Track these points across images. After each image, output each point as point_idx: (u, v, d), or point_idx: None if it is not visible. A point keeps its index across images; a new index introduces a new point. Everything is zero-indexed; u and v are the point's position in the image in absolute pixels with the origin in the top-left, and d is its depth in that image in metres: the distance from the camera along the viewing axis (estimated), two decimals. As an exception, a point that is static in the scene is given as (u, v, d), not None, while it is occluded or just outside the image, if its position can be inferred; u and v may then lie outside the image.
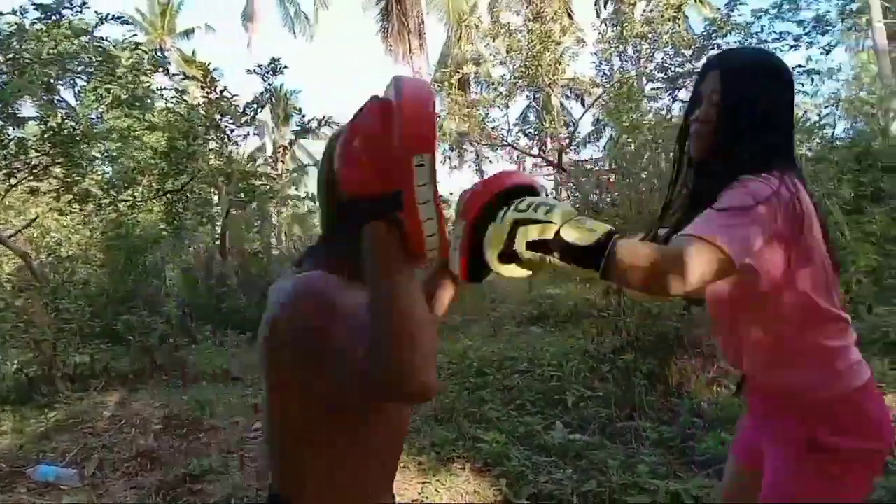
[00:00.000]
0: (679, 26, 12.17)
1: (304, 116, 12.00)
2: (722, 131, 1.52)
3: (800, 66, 10.86)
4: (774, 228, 1.36)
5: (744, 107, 1.50)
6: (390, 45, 22.85)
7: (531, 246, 1.19)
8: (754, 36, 11.43)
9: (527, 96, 16.13)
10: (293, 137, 13.78)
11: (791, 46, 11.91)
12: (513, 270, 1.25)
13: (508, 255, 1.21)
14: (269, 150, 23.47)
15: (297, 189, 18.44)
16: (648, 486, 3.12)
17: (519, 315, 8.35)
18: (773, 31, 11.72)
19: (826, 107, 10.69)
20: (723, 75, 1.54)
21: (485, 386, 5.15)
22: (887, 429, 1.46)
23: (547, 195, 1.30)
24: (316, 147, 30.58)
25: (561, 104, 18.12)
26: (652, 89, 12.56)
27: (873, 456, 1.47)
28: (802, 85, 10.80)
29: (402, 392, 0.92)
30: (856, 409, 1.45)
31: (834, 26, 14.64)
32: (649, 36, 12.21)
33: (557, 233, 1.18)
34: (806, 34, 11.81)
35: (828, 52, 12.52)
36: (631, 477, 3.22)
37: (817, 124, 8.72)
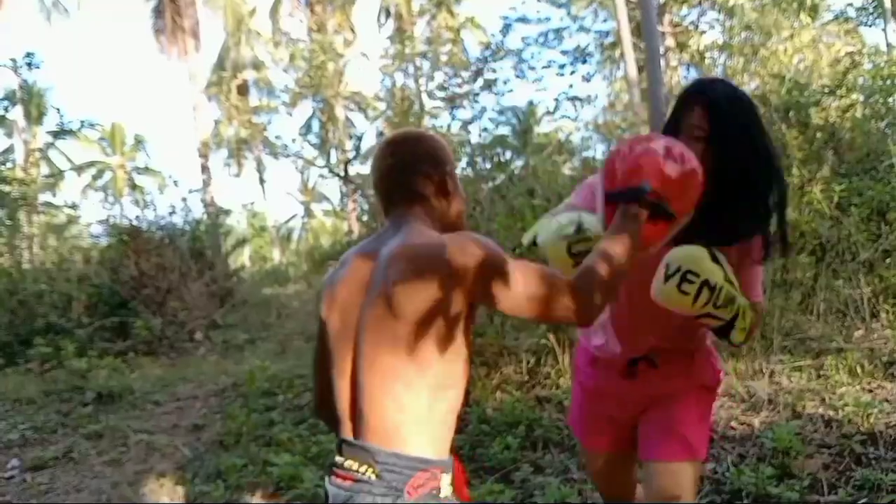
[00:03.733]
0: (457, 48, 12.79)
1: (62, 117, 10.90)
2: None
3: (564, 92, 11.92)
4: None
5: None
6: (163, 44, 21.50)
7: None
8: (525, 62, 12.34)
9: (311, 106, 16.02)
10: (50, 139, 12.45)
11: (557, 73, 13.02)
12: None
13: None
14: (20, 152, 20.93)
15: (53, 196, 16.64)
16: (441, 495, 3.22)
17: (308, 331, 8.22)
18: (542, 59, 12.75)
19: (586, 130, 11.81)
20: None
21: (274, 406, 5.01)
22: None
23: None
24: (74, 150, 27.88)
25: (346, 116, 18.19)
26: (433, 107, 13.06)
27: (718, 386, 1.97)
28: (566, 110, 11.87)
29: (591, 317, 1.31)
30: (715, 356, 1.91)
31: (592, 56, 16.24)
32: (429, 55, 12.68)
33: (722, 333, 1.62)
34: (570, 63, 12.99)
35: (588, 80, 13.84)
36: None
37: (579, 146, 9.59)
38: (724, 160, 1.55)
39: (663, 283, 1.52)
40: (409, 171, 1.45)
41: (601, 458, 2.01)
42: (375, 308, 1.29)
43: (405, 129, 1.66)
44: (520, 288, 1.27)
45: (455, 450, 1.47)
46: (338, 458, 1.33)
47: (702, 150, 1.54)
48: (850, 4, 16.35)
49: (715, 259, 1.53)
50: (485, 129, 11.35)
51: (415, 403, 1.26)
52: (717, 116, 1.56)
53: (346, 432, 1.34)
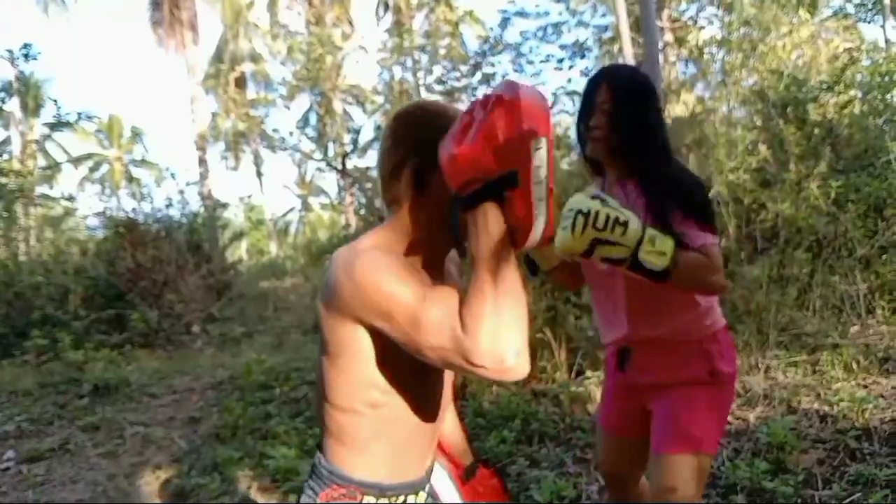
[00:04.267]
0: (455, 42, 12.75)
1: (60, 109, 10.86)
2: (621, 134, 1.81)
3: (562, 87, 11.90)
4: None
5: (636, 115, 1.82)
6: (161, 36, 21.41)
7: (605, 259, 1.59)
8: (524, 56, 12.30)
9: (309, 99, 15.97)
10: (47, 131, 12.40)
11: (556, 68, 12.98)
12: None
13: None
14: (16, 144, 20.86)
15: (50, 188, 16.60)
16: (437, 488, 3.23)
17: (305, 324, 8.23)
18: (540, 53, 12.72)
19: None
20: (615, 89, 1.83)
21: (271, 399, 5.02)
22: (736, 357, 1.96)
23: None
24: (71, 142, 27.81)
25: (344, 109, 18.16)
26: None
27: (735, 377, 1.93)
28: (564, 104, 11.85)
29: (503, 369, 0.95)
30: (728, 342, 1.91)
31: (591, 51, 16.19)
32: (428, 49, 12.65)
33: (634, 254, 1.55)
34: (569, 58, 12.94)
35: (586, 75, 13.77)
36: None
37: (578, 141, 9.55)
38: (622, 127, 1.80)
39: (563, 231, 1.58)
40: (388, 155, 1.21)
41: (613, 440, 2.05)
42: (325, 307, 1.17)
43: (413, 102, 1.32)
44: (396, 331, 1.03)
45: (487, 463, 1.47)
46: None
47: (606, 120, 1.81)
48: (849, 0, 16.34)
49: (594, 197, 1.60)
50: (483, 123, 11.34)
51: (337, 414, 1.20)
52: (618, 92, 1.82)
53: None
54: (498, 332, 0.94)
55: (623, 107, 1.80)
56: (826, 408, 3.55)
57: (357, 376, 1.15)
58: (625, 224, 1.55)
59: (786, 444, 3.10)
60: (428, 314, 0.99)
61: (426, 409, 1.25)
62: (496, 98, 1.02)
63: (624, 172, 1.88)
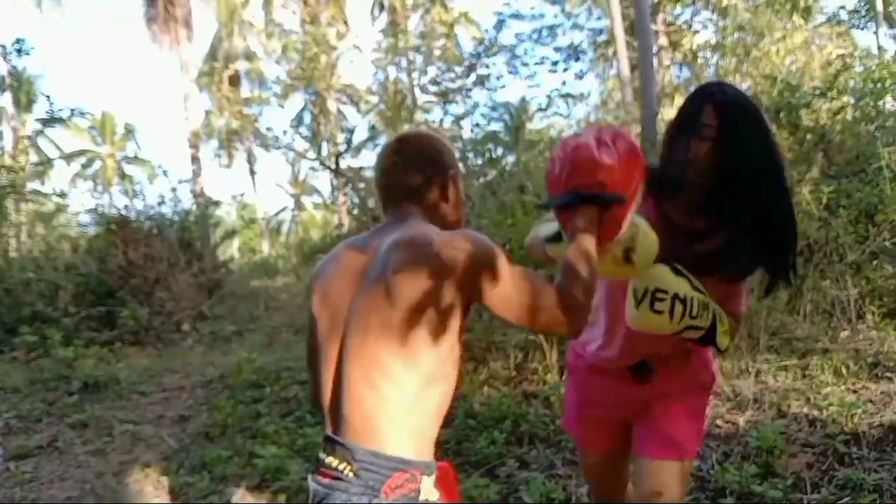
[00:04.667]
0: (450, 43, 12.76)
1: (52, 104, 10.78)
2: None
3: (556, 89, 11.94)
4: None
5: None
6: (155, 33, 21.34)
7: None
8: (519, 58, 12.34)
9: (303, 98, 15.95)
10: (39, 127, 12.32)
11: (550, 70, 13.02)
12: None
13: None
14: (8, 139, 20.74)
15: (42, 184, 16.50)
16: (427, 488, 3.22)
17: (296, 323, 8.20)
18: (535, 55, 12.76)
19: (578, 128, 11.80)
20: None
21: (261, 399, 5.00)
22: None
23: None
24: (64, 138, 27.66)
25: (338, 109, 18.14)
26: (425, 101, 13.04)
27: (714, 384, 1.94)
28: (559, 107, 11.88)
29: (578, 328, 1.30)
30: (710, 354, 1.88)
31: (586, 54, 16.26)
32: (422, 50, 12.66)
33: (708, 333, 1.60)
34: (563, 60, 12.99)
35: (581, 78, 13.84)
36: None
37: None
38: (731, 159, 1.57)
39: (635, 309, 1.56)
40: (412, 171, 1.45)
41: (597, 457, 2.00)
42: (371, 296, 1.27)
43: (416, 129, 1.69)
44: (508, 288, 1.27)
45: (442, 449, 1.47)
46: (321, 455, 1.31)
47: (708, 148, 1.58)
48: (843, 7, 16.43)
49: (677, 272, 1.56)
50: (476, 125, 11.35)
51: (397, 396, 1.23)
52: (726, 116, 1.58)
53: (329, 428, 1.33)
54: (579, 304, 1.28)
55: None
56: (815, 412, 3.56)
57: (441, 347, 1.26)
58: (707, 306, 1.57)
59: (775, 448, 3.11)
60: (531, 274, 1.31)
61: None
62: (629, 140, 1.43)
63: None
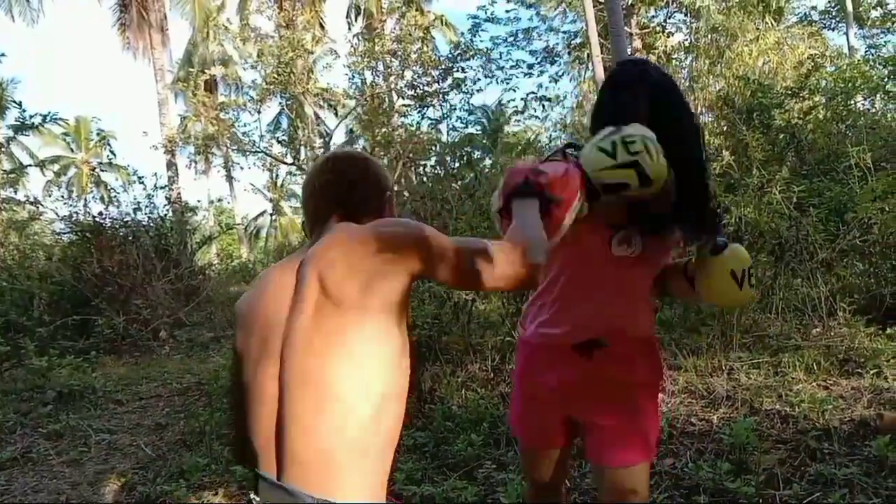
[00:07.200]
0: (427, 47, 12.77)
1: (24, 111, 10.61)
2: None
3: (532, 93, 11.99)
4: None
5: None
6: (128, 39, 21.15)
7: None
8: (494, 62, 12.37)
9: (279, 103, 15.88)
10: (11, 134, 12.14)
11: (525, 74, 13.07)
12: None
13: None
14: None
15: (15, 192, 16.24)
16: (405, 492, 3.23)
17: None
18: (511, 59, 12.81)
19: (554, 130, 11.88)
20: None
21: (239, 405, 4.97)
22: None
23: None
24: (38, 146, 27.32)
25: (315, 113, 18.08)
26: (402, 105, 13.04)
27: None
28: (535, 110, 11.93)
29: (532, 275, 1.27)
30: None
31: (561, 57, 16.36)
32: (399, 54, 12.66)
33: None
34: (538, 63, 13.05)
35: (556, 81, 13.91)
36: (389, 485, 3.30)
37: (547, 146, 9.66)
38: (670, 139, 1.60)
39: (739, 290, 1.73)
40: (347, 189, 1.38)
41: (546, 452, 1.95)
42: (307, 308, 1.15)
43: (348, 149, 1.64)
44: (450, 255, 1.21)
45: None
46: (253, 498, 1.18)
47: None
48: (814, 8, 16.67)
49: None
50: (453, 129, 11.38)
51: (351, 422, 1.11)
52: (655, 98, 1.69)
53: (266, 466, 1.18)
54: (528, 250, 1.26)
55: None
56: (787, 409, 3.61)
57: (391, 352, 1.18)
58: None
59: (748, 444, 3.15)
60: (471, 239, 1.30)
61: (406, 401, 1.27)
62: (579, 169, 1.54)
63: None
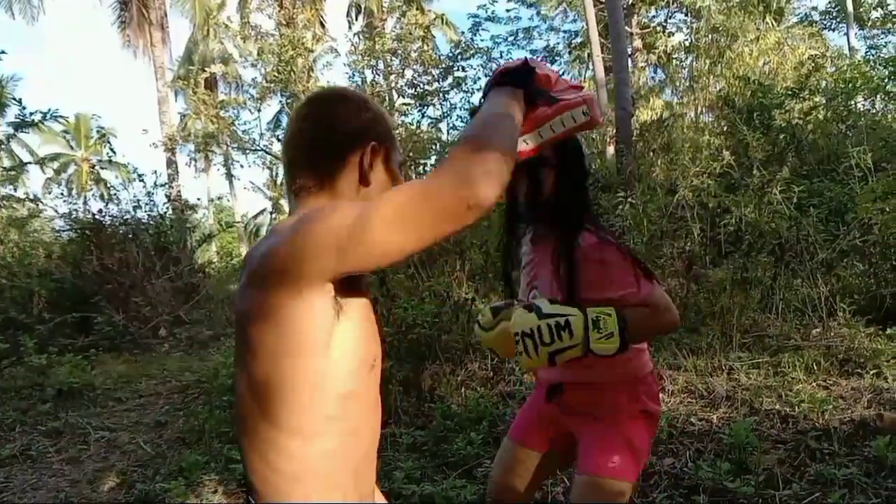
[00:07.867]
0: (427, 46, 12.75)
1: (24, 108, 10.59)
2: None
3: (532, 91, 11.94)
4: None
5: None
6: (128, 37, 21.14)
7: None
8: (495, 61, 12.35)
9: (279, 101, 15.86)
10: (11, 131, 12.12)
11: (525, 73, 13.02)
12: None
13: None
14: (-21, 144, 20.40)
15: (14, 189, 16.24)
16: (404, 491, 3.23)
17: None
18: (511, 58, 12.78)
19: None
20: None
21: (238, 403, 4.96)
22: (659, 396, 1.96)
23: None
24: (39, 143, 27.30)
25: (314, 112, 18.02)
26: (402, 104, 13.02)
27: (659, 415, 1.91)
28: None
29: (495, 183, 0.91)
30: (654, 383, 1.90)
31: (561, 56, 16.34)
32: (399, 52, 12.63)
33: (588, 348, 1.57)
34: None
35: (556, 80, 13.77)
36: (388, 484, 3.31)
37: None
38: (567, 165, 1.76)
39: (518, 356, 1.63)
40: (319, 143, 1.10)
41: (520, 450, 1.99)
42: (238, 331, 1.01)
43: (329, 88, 1.28)
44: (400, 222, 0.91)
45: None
46: (250, 499, 1.11)
47: (553, 176, 1.75)
48: (815, 8, 16.67)
49: (529, 308, 1.62)
50: (454, 128, 11.37)
51: (282, 455, 1.00)
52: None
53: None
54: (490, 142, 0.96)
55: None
56: (787, 409, 3.61)
57: (318, 368, 0.99)
58: (567, 325, 1.56)
59: (748, 444, 3.15)
60: (413, 183, 0.96)
61: (373, 421, 1.12)
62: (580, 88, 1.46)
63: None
